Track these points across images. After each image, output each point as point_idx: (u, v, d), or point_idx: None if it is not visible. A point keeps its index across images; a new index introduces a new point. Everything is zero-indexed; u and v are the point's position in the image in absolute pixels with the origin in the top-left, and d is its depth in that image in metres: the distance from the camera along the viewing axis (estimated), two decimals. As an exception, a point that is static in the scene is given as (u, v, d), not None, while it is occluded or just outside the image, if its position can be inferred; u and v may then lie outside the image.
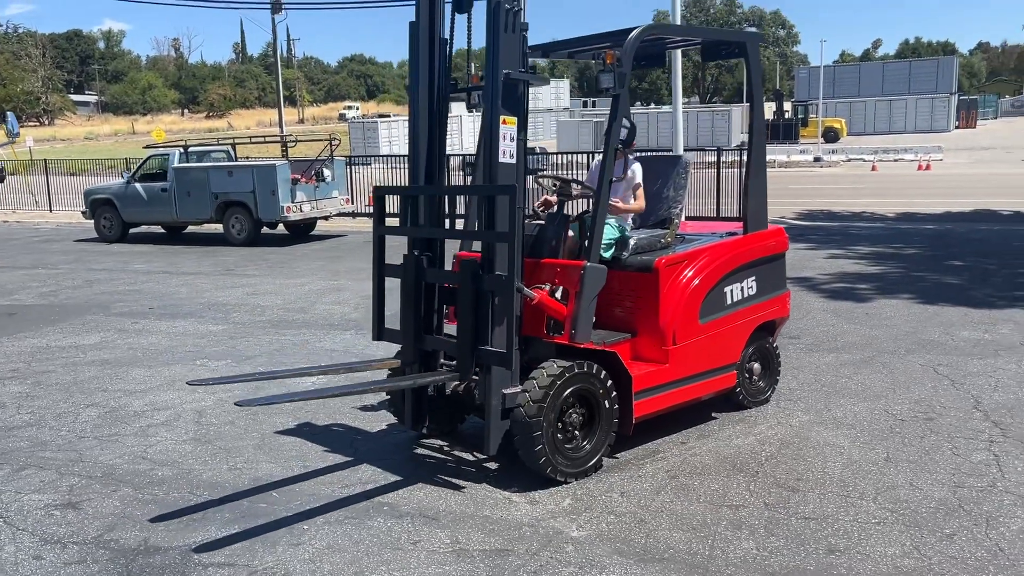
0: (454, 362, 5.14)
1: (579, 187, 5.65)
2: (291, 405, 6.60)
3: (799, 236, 15.37)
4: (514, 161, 4.87)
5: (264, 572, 4.02)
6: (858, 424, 5.76)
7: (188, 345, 8.73)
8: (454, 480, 5.04)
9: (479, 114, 5.50)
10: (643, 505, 4.62)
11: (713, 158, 18.83)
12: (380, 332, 5.56)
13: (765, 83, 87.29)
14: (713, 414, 6.02)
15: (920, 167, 33.42)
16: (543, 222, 5.66)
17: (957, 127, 64.21)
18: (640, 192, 5.83)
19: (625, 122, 5.26)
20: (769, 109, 55.94)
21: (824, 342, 8.01)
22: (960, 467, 4.97)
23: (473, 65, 5.57)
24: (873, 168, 34.54)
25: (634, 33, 5.13)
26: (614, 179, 5.44)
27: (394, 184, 20.33)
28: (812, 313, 9.20)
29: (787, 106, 55.98)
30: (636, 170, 5.80)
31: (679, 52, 12.45)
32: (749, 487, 4.81)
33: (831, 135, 52.42)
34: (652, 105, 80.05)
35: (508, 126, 4.81)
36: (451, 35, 5.35)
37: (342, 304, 10.62)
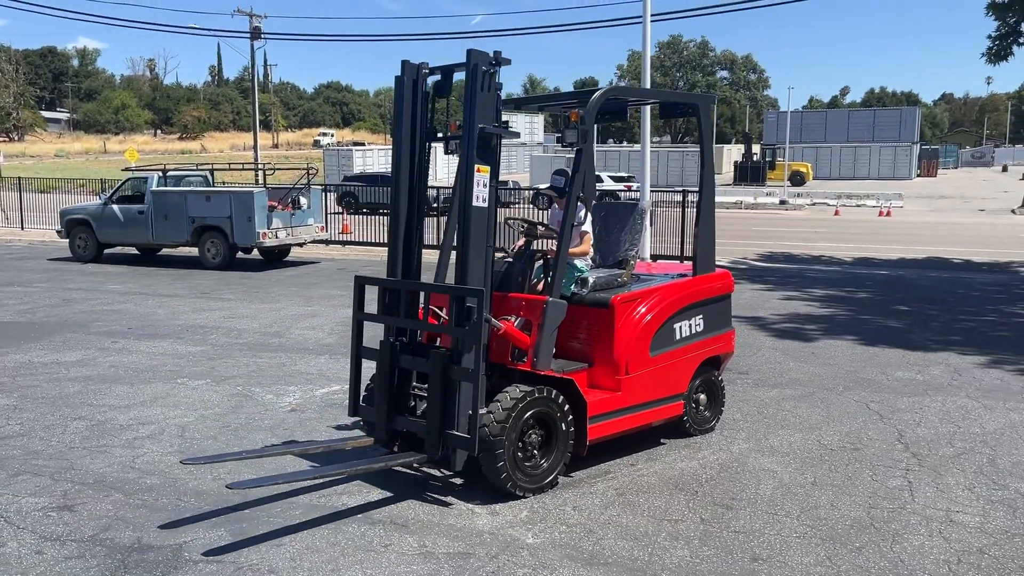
0: (426, 386, 5.63)
1: (544, 229, 6.20)
2: (270, 420, 7.04)
3: (758, 277, 16.09)
4: (486, 205, 5.40)
5: (250, 568, 4.46)
6: (792, 452, 6.32)
7: (168, 364, 9.11)
8: (422, 493, 5.51)
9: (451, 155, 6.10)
10: (593, 518, 5.12)
11: (680, 198, 19.52)
12: (356, 409, 6.05)
13: (735, 126, 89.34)
14: (661, 440, 6.55)
15: (881, 213, 34.59)
16: (511, 259, 6.20)
17: (918, 175, 66.22)
18: (587, 237, 6.36)
19: (567, 170, 5.92)
20: (738, 151, 57.33)
21: (770, 378, 8.59)
22: (877, 491, 5.53)
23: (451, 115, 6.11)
24: (836, 213, 35.67)
25: (596, 95, 5.72)
26: (557, 223, 6.02)
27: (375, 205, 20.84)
28: (762, 351, 9.79)
29: (755, 149, 57.35)
30: (581, 216, 6.34)
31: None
32: (689, 504, 5.33)
33: (797, 179, 53.81)
34: (624, 143, 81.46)
35: (481, 174, 5.35)
36: (432, 90, 5.90)
37: (316, 329, 11.05)
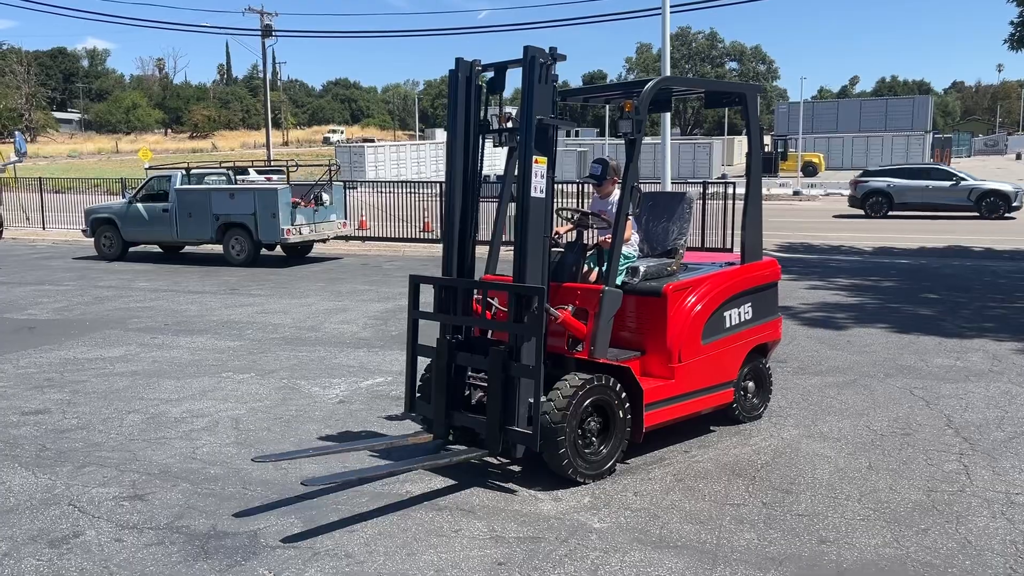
0: (482, 373, 5.71)
1: (595, 219, 6.26)
2: (320, 412, 7.14)
3: (781, 267, 16.08)
4: (544, 196, 5.47)
5: (326, 553, 4.55)
6: (843, 438, 6.38)
7: (210, 359, 9.22)
8: (484, 480, 5.59)
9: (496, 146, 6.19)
10: (655, 503, 5.20)
11: (700, 189, 19.53)
12: (412, 405, 6.11)
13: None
14: (711, 427, 6.62)
15: (895, 203, 34.43)
16: (563, 249, 6.27)
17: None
18: (629, 223, 6.40)
19: (605, 159, 6.29)
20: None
21: (810, 366, 8.64)
22: (934, 475, 5.59)
23: (503, 108, 6.18)
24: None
25: (649, 85, 5.78)
26: (605, 211, 6.10)
27: (386, 206, 20.88)
28: (797, 340, 9.83)
29: (767, 140, 57.17)
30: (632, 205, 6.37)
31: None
32: (748, 489, 5.40)
33: (810, 169, 53.65)
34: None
35: (539, 165, 5.42)
36: (485, 85, 5.98)
37: (350, 323, 11.14)
